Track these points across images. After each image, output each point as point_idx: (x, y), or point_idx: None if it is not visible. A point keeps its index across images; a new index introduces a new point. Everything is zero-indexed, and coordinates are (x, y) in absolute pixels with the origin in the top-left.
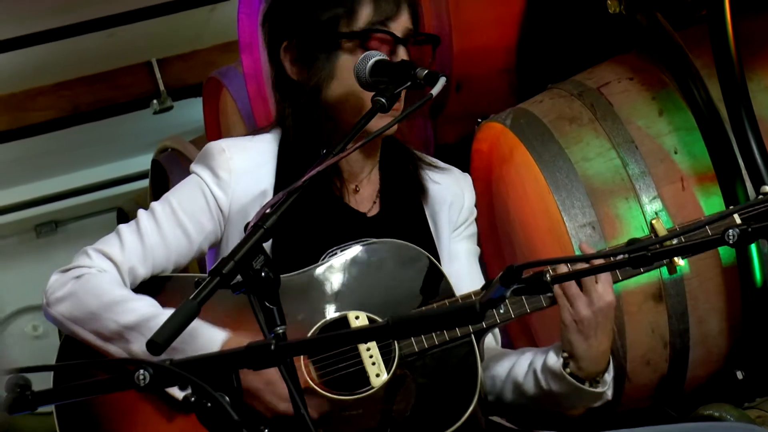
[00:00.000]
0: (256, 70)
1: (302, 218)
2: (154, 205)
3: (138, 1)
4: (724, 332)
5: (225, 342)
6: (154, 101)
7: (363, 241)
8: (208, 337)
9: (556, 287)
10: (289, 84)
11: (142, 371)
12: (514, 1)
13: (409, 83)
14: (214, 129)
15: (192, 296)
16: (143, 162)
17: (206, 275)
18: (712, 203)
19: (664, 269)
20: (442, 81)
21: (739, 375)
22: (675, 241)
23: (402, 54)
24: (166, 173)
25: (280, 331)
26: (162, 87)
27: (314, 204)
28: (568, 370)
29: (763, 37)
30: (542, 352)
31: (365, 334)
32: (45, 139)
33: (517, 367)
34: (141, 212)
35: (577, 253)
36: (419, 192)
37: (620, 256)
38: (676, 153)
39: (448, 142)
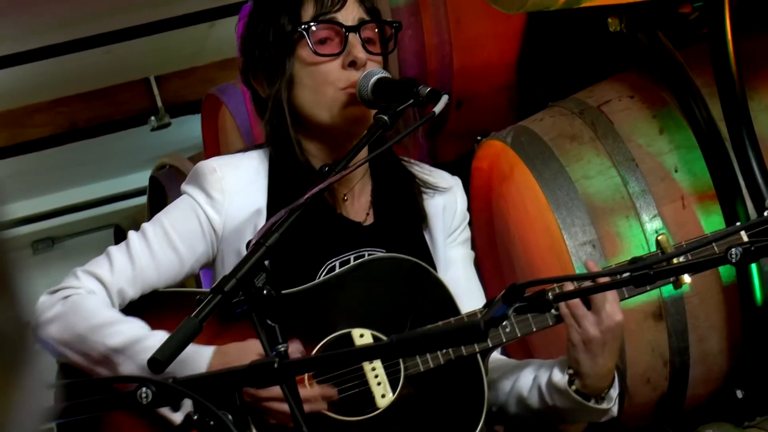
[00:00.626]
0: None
1: (297, 230)
2: (146, 226)
3: (136, 18)
4: (724, 351)
5: (213, 358)
6: (152, 118)
7: (362, 255)
8: (195, 356)
9: (563, 307)
10: (263, 103)
11: (144, 389)
12: (514, 18)
13: (411, 101)
14: (213, 146)
15: (194, 314)
16: (141, 179)
17: (208, 291)
18: (712, 222)
19: (666, 287)
20: (444, 99)
21: (739, 394)
22: (677, 259)
23: (356, 43)
24: (164, 190)
25: (282, 348)
26: (160, 104)
27: (308, 215)
28: (573, 387)
29: (764, 55)
30: (547, 367)
31: (369, 353)
32: (42, 156)
33: (521, 380)
34: (132, 233)
35: (580, 270)
36: (413, 213)
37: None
38: (676, 171)
39: (447, 160)
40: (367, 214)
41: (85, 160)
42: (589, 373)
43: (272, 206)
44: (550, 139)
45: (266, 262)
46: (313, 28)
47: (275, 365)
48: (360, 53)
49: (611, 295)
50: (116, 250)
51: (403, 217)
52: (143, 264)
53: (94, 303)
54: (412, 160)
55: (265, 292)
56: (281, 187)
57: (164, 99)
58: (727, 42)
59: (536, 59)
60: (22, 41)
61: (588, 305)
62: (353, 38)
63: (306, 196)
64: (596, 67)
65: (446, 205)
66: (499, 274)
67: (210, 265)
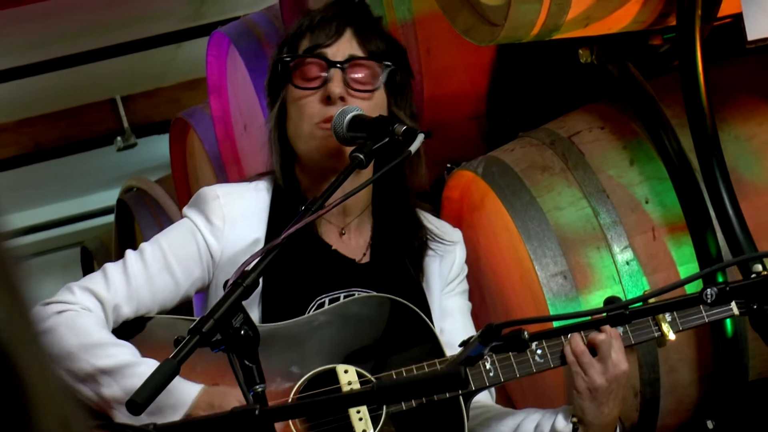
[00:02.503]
0: (224, 113)
1: (290, 264)
2: (144, 245)
3: (103, 40)
4: (694, 382)
5: (199, 395)
6: (118, 138)
7: (353, 293)
8: (183, 390)
9: (569, 354)
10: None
11: None
12: (485, 48)
13: (387, 139)
14: (181, 170)
15: (172, 355)
16: (106, 198)
17: (186, 333)
18: (683, 253)
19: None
20: (420, 138)
21: (710, 424)
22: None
23: (336, 78)
24: (131, 213)
25: (260, 389)
26: (126, 124)
27: (302, 250)
28: None
29: (733, 85)
30: (550, 415)
31: (351, 400)
32: (7, 176)
33: (523, 428)
34: (129, 252)
35: (552, 301)
36: (414, 252)
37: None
38: (647, 203)
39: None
40: (364, 253)
41: (50, 179)
42: (594, 421)
43: (270, 237)
44: (521, 170)
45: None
46: (298, 61)
47: (256, 412)
48: (336, 88)
49: (617, 344)
50: (113, 267)
51: (400, 260)
52: (139, 283)
53: (88, 321)
54: (423, 214)
55: (242, 332)
56: (281, 219)
57: (130, 119)
58: (698, 75)
59: (506, 89)
60: None
61: (594, 353)
62: (334, 73)
63: (282, 236)
64: (566, 97)
65: (445, 254)
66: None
67: (205, 289)
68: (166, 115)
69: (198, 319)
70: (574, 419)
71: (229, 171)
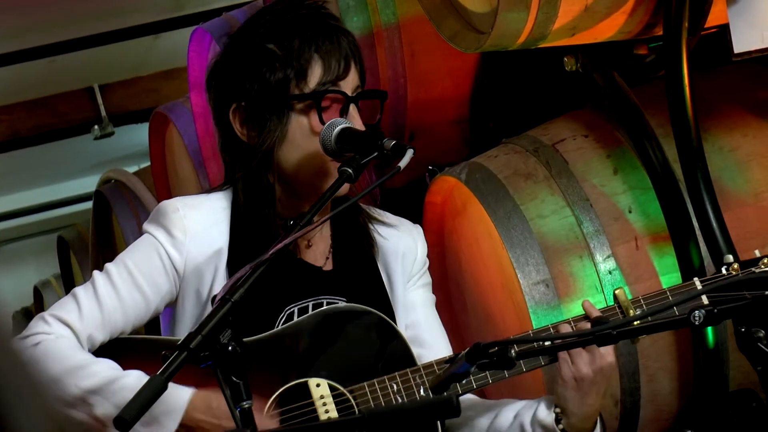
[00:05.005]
0: (205, 109)
1: (258, 276)
2: (109, 267)
3: (81, 30)
4: (674, 391)
5: (191, 398)
6: (96, 127)
7: (321, 303)
8: (174, 395)
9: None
10: (238, 146)
11: None
12: (468, 54)
13: (375, 153)
14: (160, 164)
15: (160, 371)
16: (83, 185)
17: (174, 348)
18: (665, 263)
19: None
20: (409, 153)
21: None
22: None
23: (353, 112)
24: (109, 205)
25: (246, 405)
26: (104, 113)
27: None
28: (561, 426)
29: (717, 96)
30: (530, 405)
31: (340, 427)
32: None
33: (500, 419)
34: (96, 274)
35: (534, 309)
36: (371, 246)
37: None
38: (630, 212)
39: (395, 186)
40: (327, 258)
41: (27, 167)
42: (577, 411)
43: (233, 248)
44: (505, 177)
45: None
46: (322, 96)
47: None
48: (360, 126)
49: None
50: (83, 294)
51: (362, 262)
52: (110, 308)
53: (65, 346)
54: (373, 208)
55: (230, 348)
56: (243, 230)
57: (108, 108)
58: (684, 87)
59: (490, 94)
60: None
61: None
62: (353, 110)
63: (270, 251)
64: (549, 104)
65: (406, 251)
66: (449, 308)
67: (173, 303)
68: (144, 104)
69: (186, 335)
70: (557, 409)
71: (208, 167)
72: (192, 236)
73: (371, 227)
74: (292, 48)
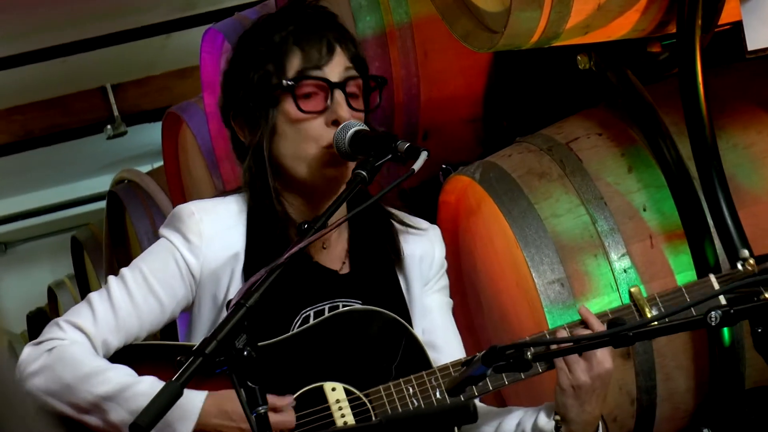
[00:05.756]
0: (217, 109)
1: (273, 279)
2: (125, 272)
3: (93, 30)
4: (691, 389)
5: (205, 402)
6: (108, 126)
7: (337, 306)
8: (188, 400)
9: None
10: (243, 150)
11: None
12: (481, 52)
13: (389, 156)
14: (173, 164)
15: (175, 377)
16: (96, 184)
17: (189, 353)
18: (680, 261)
19: None
20: (423, 156)
21: None
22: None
23: (339, 98)
24: (122, 205)
25: (262, 411)
26: (116, 112)
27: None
28: None
29: (732, 93)
30: (531, 413)
31: None
32: None
33: (504, 426)
34: (111, 279)
35: (549, 308)
36: (390, 251)
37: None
38: (645, 210)
39: (411, 186)
40: (344, 262)
41: (39, 166)
42: (576, 419)
43: (250, 251)
44: (519, 176)
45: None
46: (299, 83)
47: None
48: (344, 113)
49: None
50: (98, 300)
51: (379, 265)
52: (125, 313)
53: (80, 352)
54: (391, 209)
55: (245, 353)
56: (259, 233)
57: (120, 108)
58: (698, 85)
59: (503, 92)
60: None
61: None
62: (338, 95)
63: (285, 256)
64: (563, 102)
65: (423, 254)
66: (464, 307)
67: (189, 308)
68: (157, 103)
69: (201, 340)
70: (557, 417)
71: (222, 167)
72: (208, 240)
73: (394, 232)
74: (272, 43)
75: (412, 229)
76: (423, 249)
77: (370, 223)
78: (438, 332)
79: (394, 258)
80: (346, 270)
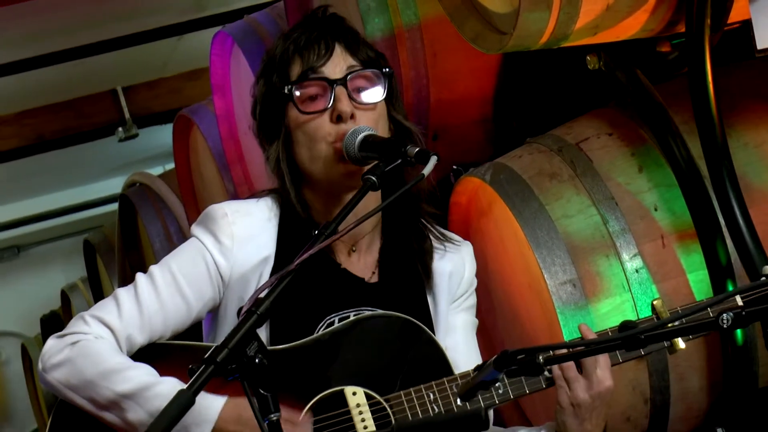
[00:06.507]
0: (228, 112)
1: (299, 283)
2: (154, 269)
3: (104, 33)
4: (704, 389)
5: (222, 409)
6: (120, 129)
7: (361, 313)
8: (206, 405)
9: (555, 368)
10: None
11: None
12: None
13: (399, 161)
14: (184, 167)
15: (187, 386)
16: (107, 187)
17: (201, 363)
18: (692, 260)
19: None
20: (433, 160)
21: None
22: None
23: (342, 96)
24: (134, 208)
25: (275, 418)
26: (127, 115)
27: (311, 268)
28: None
29: (742, 92)
30: None
31: None
32: (10, 167)
33: None
34: (140, 276)
35: (561, 309)
36: (420, 268)
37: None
38: (656, 210)
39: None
40: (373, 272)
41: (51, 169)
42: None
43: (280, 255)
44: (530, 177)
45: (259, 330)
46: (298, 86)
47: None
48: (345, 107)
49: (602, 360)
50: (125, 295)
51: (408, 278)
52: (151, 310)
53: (103, 348)
54: (429, 223)
55: (257, 360)
56: (290, 237)
57: (131, 110)
58: (708, 85)
59: (513, 93)
60: None
61: (579, 369)
62: (339, 91)
63: (295, 262)
64: (573, 102)
65: (453, 271)
66: (477, 309)
67: (216, 309)
68: (168, 105)
69: (212, 348)
70: None
71: (233, 169)
72: (240, 243)
73: (427, 249)
74: (277, 57)
75: (448, 243)
76: (454, 265)
77: (404, 236)
78: (460, 351)
79: (424, 276)
80: (374, 279)
